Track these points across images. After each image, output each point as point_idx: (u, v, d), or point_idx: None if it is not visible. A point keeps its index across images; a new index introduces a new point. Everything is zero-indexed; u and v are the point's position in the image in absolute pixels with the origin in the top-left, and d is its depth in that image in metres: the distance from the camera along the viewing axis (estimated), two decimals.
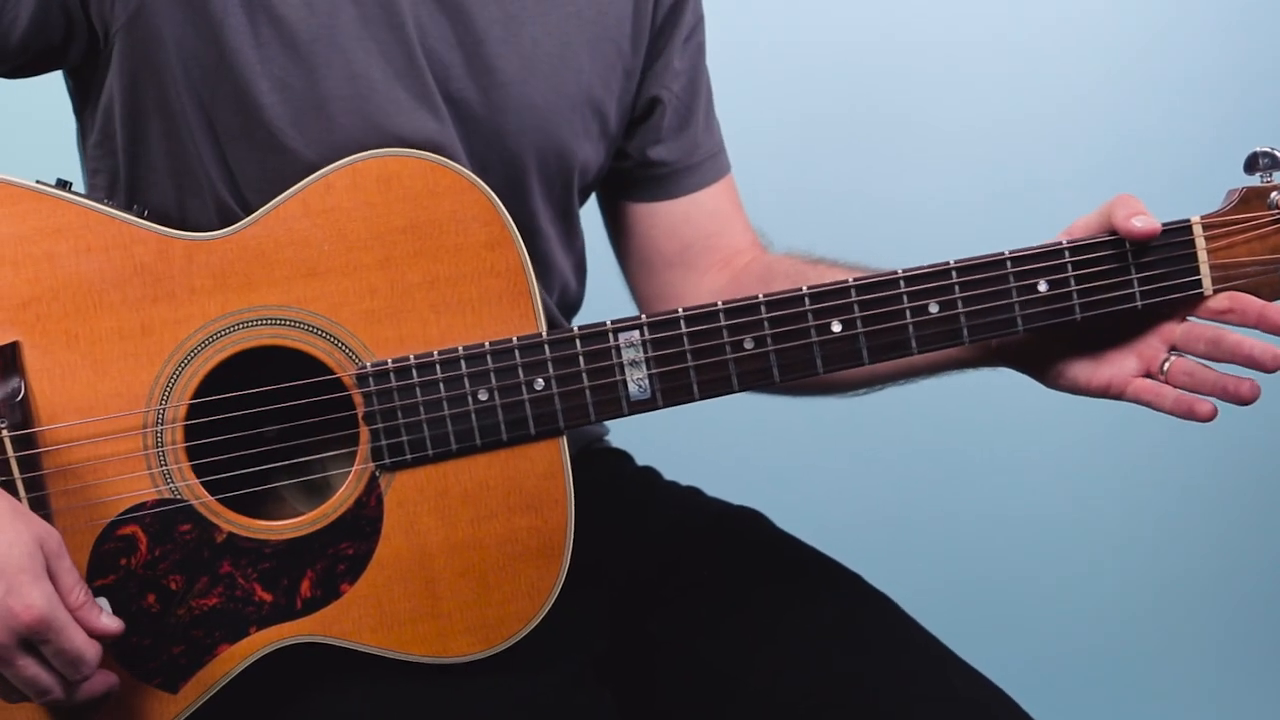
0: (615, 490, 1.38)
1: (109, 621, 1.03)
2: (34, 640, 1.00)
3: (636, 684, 1.26)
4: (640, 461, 1.46)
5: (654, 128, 1.36)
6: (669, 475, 1.44)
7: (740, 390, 1.14)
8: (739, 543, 1.34)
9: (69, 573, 1.02)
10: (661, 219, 1.38)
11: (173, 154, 1.19)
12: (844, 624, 1.24)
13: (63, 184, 1.12)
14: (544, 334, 1.12)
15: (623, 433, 1.46)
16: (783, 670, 1.21)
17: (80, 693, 1.03)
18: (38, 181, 1.10)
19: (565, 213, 1.32)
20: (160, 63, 1.16)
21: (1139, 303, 1.14)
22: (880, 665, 1.21)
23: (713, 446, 2.02)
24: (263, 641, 1.11)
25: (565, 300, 1.35)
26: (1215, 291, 1.14)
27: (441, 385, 1.11)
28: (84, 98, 1.25)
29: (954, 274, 1.13)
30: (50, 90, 1.27)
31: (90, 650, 1.02)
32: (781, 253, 1.37)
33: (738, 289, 1.33)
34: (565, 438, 1.13)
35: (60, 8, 1.15)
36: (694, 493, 1.42)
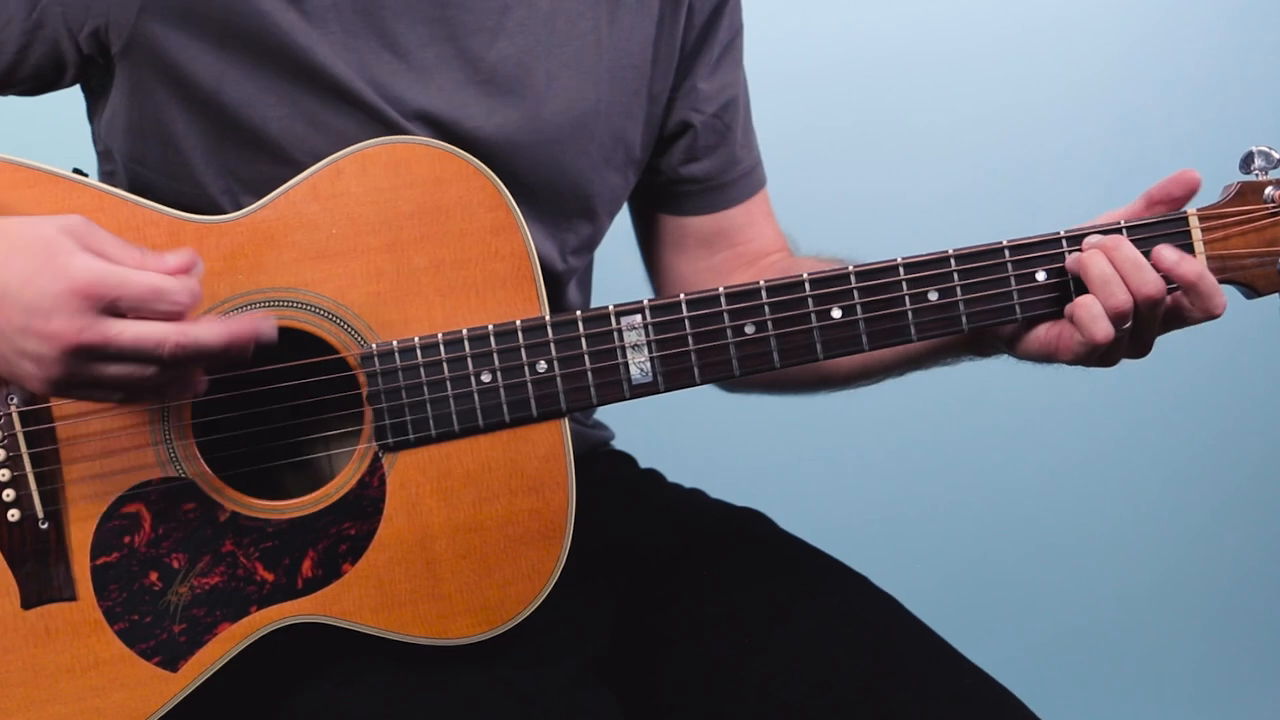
0: (619, 492, 1.38)
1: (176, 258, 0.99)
2: (108, 309, 0.97)
3: (639, 683, 1.26)
4: (644, 464, 1.46)
5: (688, 148, 1.35)
6: (672, 478, 1.44)
7: (741, 374, 1.14)
8: (743, 543, 1.34)
9: (111, 240, 1.00)
10: (694, 229, 1.38)
11: (171, 174, 1.20)
12: (849, 624, 1.24)
13: (79, 173, 1.13)
14: (547, 317, 1.13)
15: (626, 435, 1.46)
16: (787, 670, 1.21)
17: (184, 341, 0.98)
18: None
19: (587, 242, 1.31)
20: (158, 84, 1.17)
21: None
22: (886, 665, 1.21)
23: (716, 448, 2.02)
24: (263, 621, 1.11)
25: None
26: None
27: (445, 366, 1.12)
28: (94, 108, 1.27)
29: (953, 262, 1.14)
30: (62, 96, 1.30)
31: (169, 280, 0.98)
32: (809, 255, 1.37)
33: None
34: (567, 420, 1.14)
35: (47, 47, 1.17)
36: (697, 494, 1.42)
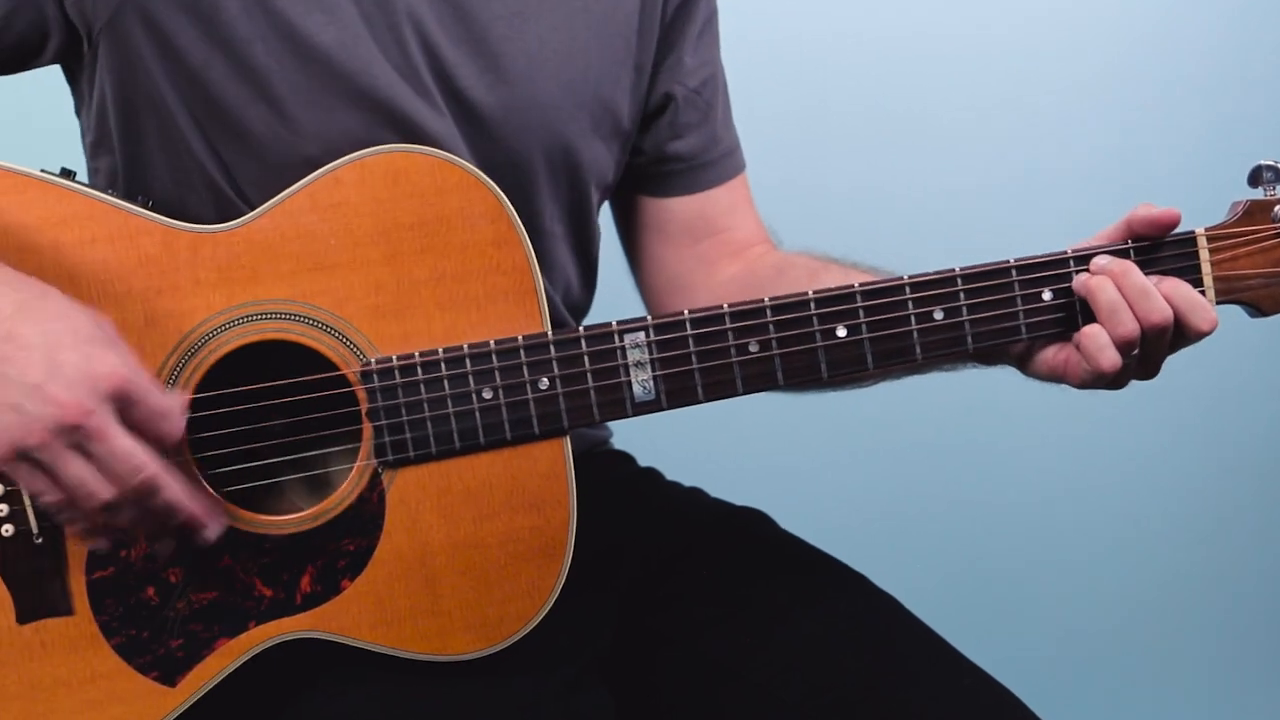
0: (618, 491, 1.37)
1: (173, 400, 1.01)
2: (122, 408, 0.98)
3: (640, 682, 1.26)
4: (643, 463, 1.45)
5: (670, 123, 1.34)
6: (671, 476, 1.44)
7: (744, 393, 1.14)
8: (742, 543, 1.34)
9: (129, 353, 1.02)
10: (676, 213, 1.37)
11: (168, 150, 1.18)
12: (849, 624, 1.24)
13: (67, 173, 1.11)
14: (549, 333, 1.12)
15: (625, 434, 1.46)
16: (787, 670, 1.21)
17: (175, 507, 1.01)
18: (42, 171, 1.10)
19: (575, 212, 1.30)
20: (148, 61, 1.15)
21: None
22: (886, 665, 1.21)
23: (716, 447, 2.01)
24: (262, 636, 1.11)
25: (569, 300, 1.34)
26: (1218, 304, 1.15)
27: (446, 383, 1.11)
28: (80, 96, 1.25)
29: (959, 281, 1.13)
30: (55, 87, 1.27)
31: (173, 420, 1.00)
32: (796, 250, 1.36)
33: (750, 278, 1.33)
34: (569, 438, 1.13)
35: (34, 9, 1.15)
36: (697, 493, 1.42)
